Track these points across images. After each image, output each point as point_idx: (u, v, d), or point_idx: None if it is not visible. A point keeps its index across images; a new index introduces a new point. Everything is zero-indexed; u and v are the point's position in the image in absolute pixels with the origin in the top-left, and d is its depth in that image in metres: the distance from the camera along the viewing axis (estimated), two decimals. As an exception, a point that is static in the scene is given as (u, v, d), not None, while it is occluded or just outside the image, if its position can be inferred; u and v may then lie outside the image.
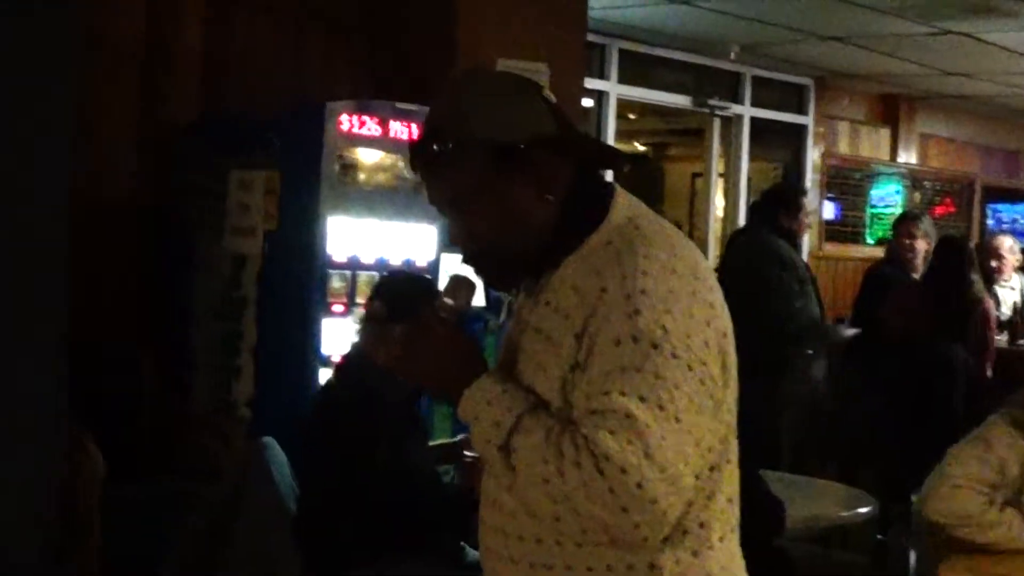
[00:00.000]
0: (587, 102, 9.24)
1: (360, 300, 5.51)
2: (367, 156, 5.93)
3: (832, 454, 7.55)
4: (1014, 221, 13.45)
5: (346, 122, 5.74)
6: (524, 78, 2.40)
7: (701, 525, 2.17)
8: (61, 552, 4.34)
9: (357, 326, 4.49)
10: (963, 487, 3.74)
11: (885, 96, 12.33)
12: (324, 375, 5.43)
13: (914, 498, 3.93)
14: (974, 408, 6.76)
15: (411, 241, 5.99)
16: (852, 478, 6.36)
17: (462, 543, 4.36)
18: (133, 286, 6.33)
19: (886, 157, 12.54)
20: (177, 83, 6.53)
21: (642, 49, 9.83)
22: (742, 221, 10.98)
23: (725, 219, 11.31)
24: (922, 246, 7.85)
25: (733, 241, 8.07)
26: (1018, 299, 9.03)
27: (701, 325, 2.13)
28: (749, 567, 2.30)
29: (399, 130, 5.95)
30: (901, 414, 6.93)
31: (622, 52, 9.69)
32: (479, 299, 5.68)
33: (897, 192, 12.55)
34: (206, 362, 6.14)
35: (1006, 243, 9.08)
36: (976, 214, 13.64)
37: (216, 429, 5.88)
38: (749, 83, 10.96)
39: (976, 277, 7.38)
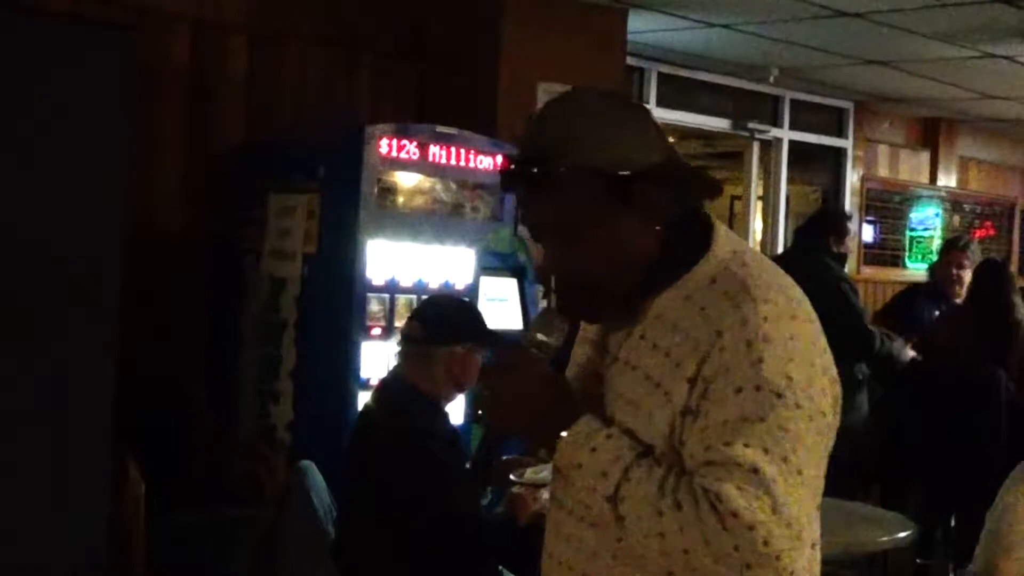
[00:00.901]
0: (626, 126, 9.21)
1: (398, 323, 5.51)
2: (406, 179, 5.95)
3: (875, 479, 7.51)
4: (1055, 244, 13.38)
5: (385, 146, 5.75)
6: (632, 100, 2.31)
7: (792, 573, 2.04)
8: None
9: (396, 348, 4.48)
10: None
11: (925, 119, 12.28)
12: (363, 398, 5.43)
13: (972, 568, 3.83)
14: (1016, 433, 6.73)
15: (450, 264, 5.99)
16: (896, 503, 6.33)
17: (500, 568, 4.35)
18: (183, 314, 6.37)
19: (926, 180, 12.48)
20: (223, 111, 6.59)
21: (681, 72, 9.82)
22: (781, 244, 10.95)
23: (764, 242, 11.26)
24: (968, 276, 7.78)
25: (778, 264, 8.01)
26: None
27: (819, 373, 2.07)
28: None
29: (438, 154, 5.97)
30: (943, 439, 6.88)
31: (661, 76, 9.67)
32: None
33: (937, 215, 12.48)
34: (248, 387, 6.16)
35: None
36: (1016, 237, 13.55)
37: (259, 454, 5.89)
38: (788, 106, 10.92)
39: (1018, 301, 7.33)
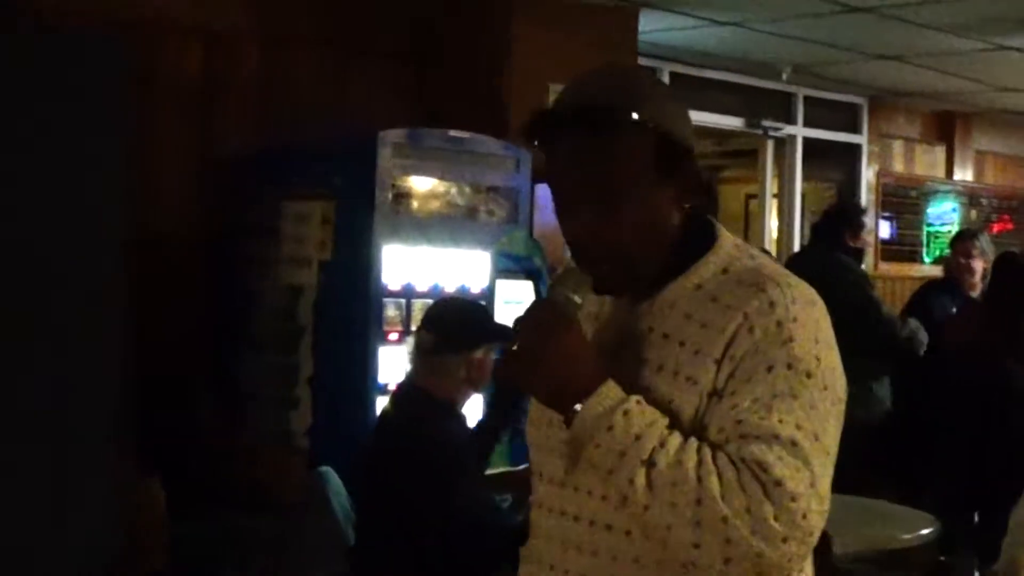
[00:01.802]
0: (639, 126, 9.20)
1: (415, 328, 5.51)
2: (420, 184, 5.94)
3: (894, 475, 7.48)
4: (1073, 237, 13.32)
5: (398, 151, 5.76)
6: None
7: (808, 552, 2.04)
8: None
9: (408, 355, 4.45)
10: None
11: (940, 113, 12.24)
12: (380, 403, 5.43)
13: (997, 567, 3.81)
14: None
15: (465, 268, 5.99)
16: (917, 500, 6.31)
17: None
18: (194, 320, 6.37)
19: (942, 175, 12.44)
20: (233, 117, 6.60)
21: (693, 72, 9.80)
22: (797, 242, 10.93)
23: (779, 240, 11.24)
24: (979, 265, 7.79)
25: (795, 261, 7.99)
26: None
27: (838, 360, 2.08)
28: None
29: (452, 157, 5.97)
30: (962, 434, 6.86)
31: (673, 75, 9.65)
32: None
33: (954, 210, 12.44)
34: (264, 393, 6.16)
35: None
36: (1034, 230, 13.51)
37: (275, 461, 5.89)
38: (802, 103, 10.90)
39: (1035, 294, 7.30)
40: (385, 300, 5.73)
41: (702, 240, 2.16)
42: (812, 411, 1.98)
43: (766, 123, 10.58)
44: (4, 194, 4.40)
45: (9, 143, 4.40)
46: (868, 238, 7.72)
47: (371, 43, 7.16)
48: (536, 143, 2.14)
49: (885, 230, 11.90)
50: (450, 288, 5.91)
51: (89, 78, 4.61)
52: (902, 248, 12.05)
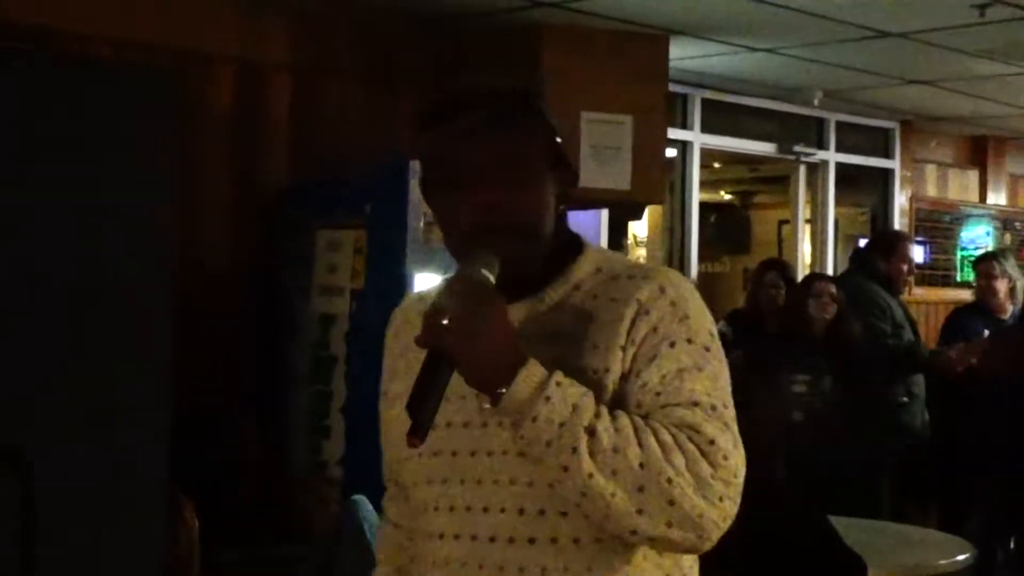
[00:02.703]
0: (671, 152, 9.21)
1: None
2: (451, 212, 5.95)
3: (933, 501, 7.45)
4: (1108, 260, 13.25)
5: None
6: None
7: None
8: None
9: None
10: None
11: (972, 138, 12.21)
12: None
13: None
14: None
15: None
16: (955, 526, 6.28)
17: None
18: (234, 352, 6.40)
19: (975, 199, 12.40)
20: (268, 149, 6.64)
21: (725, 98, 9.80)
22: (830, 267, 10.90)
23: (812, 265, 11.22)
24: (1002, 286, 7.78)
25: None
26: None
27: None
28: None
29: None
30: (999, 458, 6.83)
31: (705, 102, 9.66)
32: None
33: (988, 234, 12.40)
34: (300, 423, 6.17)
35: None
36: (1069, 254, 13.45)
37: (309, 490, 5.90)
38: (834, 128, 10.88)
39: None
40: (417, 329, 5.72)
41: (573, 243, 2.23)
42: (716, 382, 2.06)
43: (798, 148, 10.56)
44: (52, 225, 4.44)
45: (57, 173, 4.44)
46: (903, 265, 7.68)
47: (403, 74, 7.20)
48: (430, 124, 2.16)
49: (919, 255, 11.86)
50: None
51: (139, 110, 4.65)
52: (935, 273, 12.01)
